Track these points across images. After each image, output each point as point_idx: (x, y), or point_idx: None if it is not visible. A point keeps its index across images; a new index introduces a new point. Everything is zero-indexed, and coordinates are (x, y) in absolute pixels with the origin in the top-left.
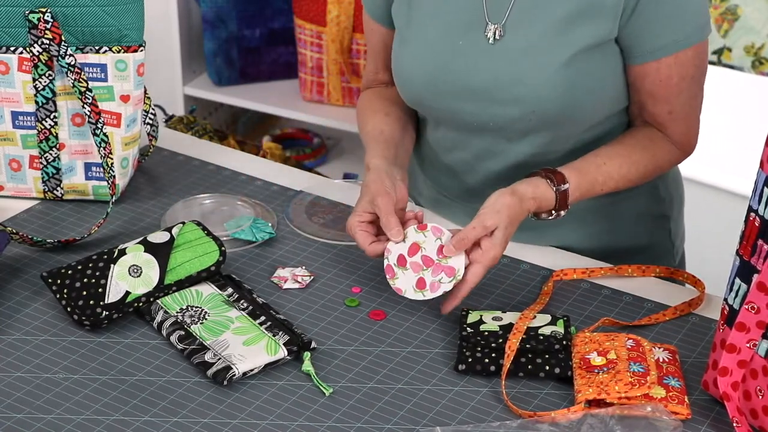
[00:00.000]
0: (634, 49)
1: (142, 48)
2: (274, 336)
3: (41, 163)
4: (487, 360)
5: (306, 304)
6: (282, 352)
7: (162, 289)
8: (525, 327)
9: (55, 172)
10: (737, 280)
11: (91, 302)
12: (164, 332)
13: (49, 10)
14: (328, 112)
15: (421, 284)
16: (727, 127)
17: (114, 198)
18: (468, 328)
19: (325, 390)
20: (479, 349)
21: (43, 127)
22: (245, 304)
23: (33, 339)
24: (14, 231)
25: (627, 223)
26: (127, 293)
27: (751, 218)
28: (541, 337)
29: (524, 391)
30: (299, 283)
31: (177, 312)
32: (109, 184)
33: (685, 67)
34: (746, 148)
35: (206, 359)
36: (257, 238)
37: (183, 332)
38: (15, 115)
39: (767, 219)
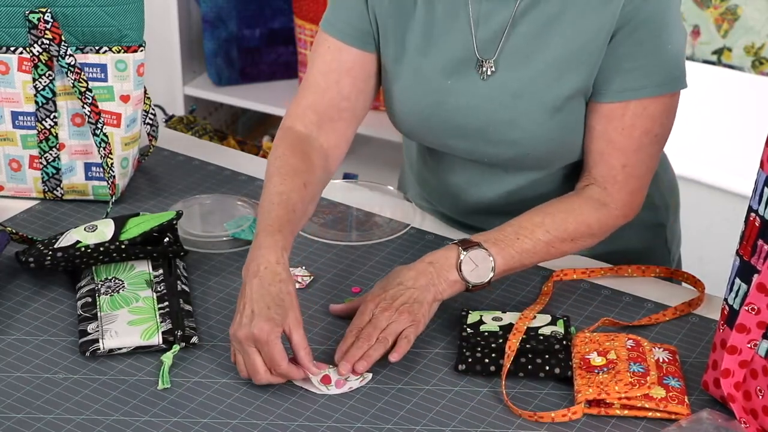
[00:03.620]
0: (604, 86)
1: (142, 48)
2: (161, 322)
3: (41, 163)
4: (487, 360)
5: (306, 304)
6: (156, 339)
7: (113, 242)
8: (525, 327)
9: (55, 172)
10: (737, 280)
11: (40, 246)
12: (76, 296)
13: (49, 10)
14: None
15: (326, 380)
16: (727, 127)
17: (114, 198)
18: (468, 329)
19: (162, 383)
20: (479, 349)
21: (43, 127)
22: (162, 288)
23: (33, 339)
24: (14, 231)
25: (622, 232)
26: (78, 242)
27: (751, 218)
28: (541, 337)
29: (524, 391)
30: (299, 283)
31: (100, 281)
32: (109, 184)
33: (652, 121)
34: (746, 148)
35: (87, 329)
36: None
37: (90, 299)
38: (15, 115)
39: (767, 219)
